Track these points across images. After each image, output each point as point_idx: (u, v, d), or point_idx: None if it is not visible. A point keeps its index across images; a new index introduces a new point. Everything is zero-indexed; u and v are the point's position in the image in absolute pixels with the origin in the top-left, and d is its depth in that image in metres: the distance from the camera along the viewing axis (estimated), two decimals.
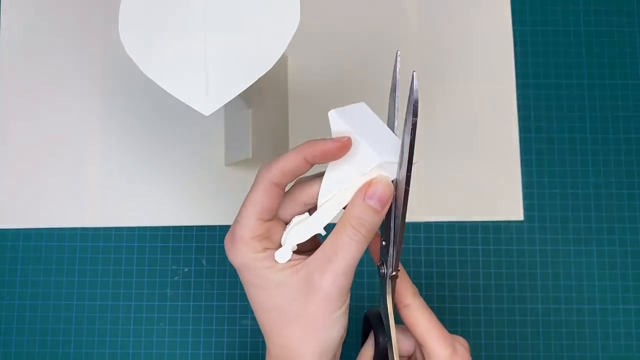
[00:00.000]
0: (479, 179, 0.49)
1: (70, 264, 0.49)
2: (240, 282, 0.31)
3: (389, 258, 0.31)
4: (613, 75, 0.51)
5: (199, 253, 0.49)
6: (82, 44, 0.52)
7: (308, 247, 0.31)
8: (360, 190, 0.29)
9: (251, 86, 0.33)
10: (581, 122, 0.50)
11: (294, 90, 0.51)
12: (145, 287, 0.48)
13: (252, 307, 0.31)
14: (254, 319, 0.48)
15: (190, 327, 0.48)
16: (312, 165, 0.30)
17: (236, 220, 0.30)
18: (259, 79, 0.33)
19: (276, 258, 0.29)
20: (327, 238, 0.29)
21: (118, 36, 0.34)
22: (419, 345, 0.33)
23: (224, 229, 0.49)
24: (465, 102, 0.50)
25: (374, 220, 0.29)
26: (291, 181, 0.31)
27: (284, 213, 0.31)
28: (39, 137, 0.50)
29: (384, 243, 0.32)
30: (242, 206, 0.30)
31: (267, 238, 0.30)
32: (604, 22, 0.52)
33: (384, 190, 0.29)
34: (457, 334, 0.47)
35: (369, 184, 0.29)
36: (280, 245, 0.31)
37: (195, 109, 0.34)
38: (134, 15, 0.34)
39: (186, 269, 0.48)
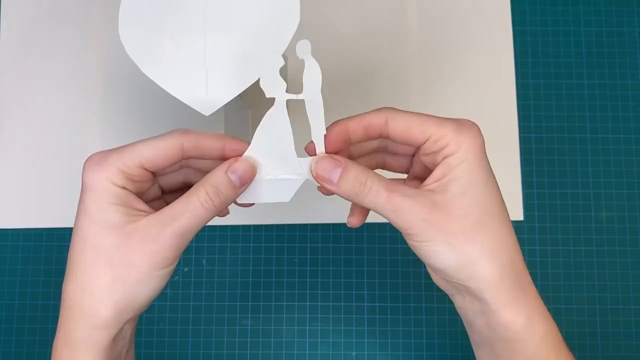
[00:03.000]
0: None
1: None
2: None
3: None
4: (613, 75, 0.51)
5: (199, 253, 0.49)
6: (82, 44, 0.52)
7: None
8: (225, 163, 0.29)
9: (251, 86, 0.33)
10: (581, 122, 0.50)
11: (293, 90, 0.51)
12: None
13: (72, 237, 0.29)
14: (254, 318, 0.48)
15: (190, 327, 0.48)
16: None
17: (121, 149, 0.29)
18: (259, 79, 0.33)
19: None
20: (180, 197, 0.29)
21: (118, 36, 0.34)
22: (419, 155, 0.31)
23: (224, 229, 0.49)
24: (465, 101, 0.51)
25: (229, 193, 0.29)
26: (191, 158, 0.31)
27: (167, 180, 0.32)
28: (39, 137, 0.50)
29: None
30: (139, 141, 0.30)
31: (134, 183, 0.29)
32: (604, 22, 0.52)
33: (247, 169, 0.29)
34: (457, 335, 0.47)
35: (235, 159, 0.30)
36: (146, 206, 0.30)
37: (195, 109, 0.34)
38: (134, 15, 0.34)
39: (186, 269, 0.49)
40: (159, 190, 0.33)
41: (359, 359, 0.47)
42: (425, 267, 0.48)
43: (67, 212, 0.50)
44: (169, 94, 0.34)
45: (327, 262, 0.48)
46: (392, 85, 0.51)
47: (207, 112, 0.34)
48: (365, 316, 0.48)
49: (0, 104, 0.51)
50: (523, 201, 0.49)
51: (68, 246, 0.49)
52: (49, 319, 0.48)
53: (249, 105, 0.43)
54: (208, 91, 0.34)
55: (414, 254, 0.48)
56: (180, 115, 0.50)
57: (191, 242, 0.49)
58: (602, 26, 0.52)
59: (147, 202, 0.30)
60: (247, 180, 0.29)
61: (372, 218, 0.49)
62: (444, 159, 0.29)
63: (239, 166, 0.29)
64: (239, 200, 0.31)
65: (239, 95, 0.34)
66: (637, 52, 0.51)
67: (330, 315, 0.48)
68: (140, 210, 0.29)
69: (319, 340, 0.48)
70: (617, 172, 0.50)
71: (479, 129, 0.30)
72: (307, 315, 0.48)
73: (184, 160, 0.31)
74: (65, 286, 0.29)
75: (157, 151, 0.29)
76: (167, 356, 0.47)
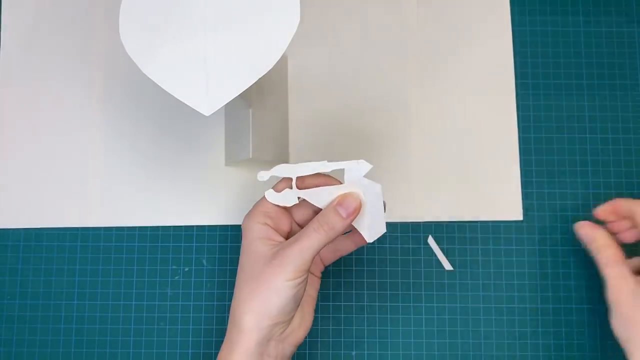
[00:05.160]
0: (479, 179, 0.49)
1: (70, 264, 0.49)
2: None
3: None
4: (613, 75, 0.51)
5: (199, 253, 0.49)
6: (83, 44, 0.52)
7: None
8: (335, 198, 0.37)
9: (251, 86, 0.33)
10: (581, 122, 0.50)
11: (294, 90, 0.51)
12: (145, 287, 0.48)
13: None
14: None
15: (191, 327, 0.48)
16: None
17: (261, 199, 0.39)
18: (259, 78, 0.33)
19: (258, 176, 0.38)
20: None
21: (118, 36, 0.34)
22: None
23: (224, 228, 0.49)
24: (465, 102, 0.51)
25: (337, 223, 0.36)
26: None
27: (298, 215, 0.40)
28: (39, 137, 0.50)
29: None
30: None
31: (272, 219, 0.38)
32: (604, 22, 0.52)
33: (350, 203, 0.36)
34: (457, 334, 0.47)
35: (343, 195, 0.37)
36: (284, 237, 0.38)
37: (196, 109, 0.34)
38: (134, 16, 0.34)
39: (186, 269, 0.49)
40: (294, 225, 0.40)
41: (359, 359, 0.47)
42: (424, 267, 0.48)
43: (67, 212, 0.50)
44: (169, 94, 0.34)
45: None
46: (391, 85, 0.51)
47: (207, 112, 0.34)
48: (365, 316, 0.48)
49: (1, 104, 0.51)
50: (523, 201, 0.49)
51: (68, 246, 0.49)
52: (49, 319, 0.48)
53: (249, 105, 0.43)
54: (208, 91, 0.34)
55: (414, 254, 0.49)
56: (180, 116, 0.50)
57: (191, 241, 0.49)
58: (602, 26, 0.52)
59: (285, 235, 0.39)
60: (352, 211, 0.36)
61: None
62: None
63: (344, 200, 0.36)
64: (368, 239, 0.38)
65: (240, 94, 0.34)
66: (637, 52, 0.51)
67: (330, 315, 0.48)
68: (278, 241, 0.37)
69: (319, 339, 0.48)
70: (616, 172, 0.50)
71: None
72: None
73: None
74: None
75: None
76: (168, 356, 0.47)
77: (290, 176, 0.37)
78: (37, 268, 0.49)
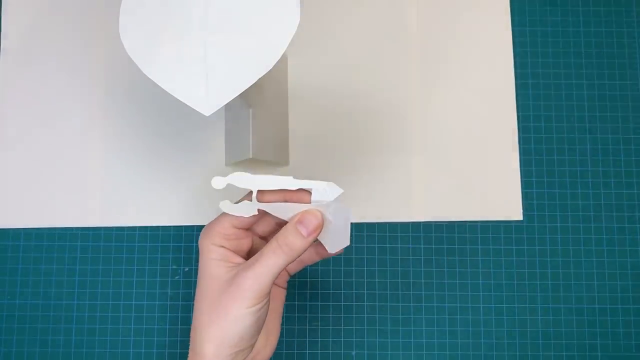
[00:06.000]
0: (479, 178, 0.49)
1: (70, 264, 0.49)
2: None
3: None
4: (613, 75, 0.51)
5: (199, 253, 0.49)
6: (83, 45, 0.52)
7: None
8: (295, 215, 0.34)
9: (251, 86, 0.33)
10: (581, 122, 0.50)
11: (294, 90, 0.51)
12: (145, 287, 0.48)
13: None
14: None
15: (191, 327, 0.48)
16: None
17: (218, 217, 0.36)
18: (259, 79, 0.33)
19: (212, 183, 0.35)
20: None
21: (118, 36, 0.34)
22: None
23: None
24: (465, 102, 0.51)
25: (297, 242, 0.33)
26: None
27: (259, 228, 0.38)
28: (39, 137, 0.50)
29: None
30: None
31: (230, 241, 0.35)
32: (604, 22, 0.52)
33: (311, 221, 0.34)
34: (457, 334, 0.47)
35: (303, 212, 0.34)
36: (244, 257, 0.36)
37: (195, 109, 0.34)
38: (134, 16, 0.34)
39: (187, 269, 0.49)
40: (256, 240, 0.38)
41: (359, 359, 0.47)
42: (424, 267, 0.48)
43: (67, 212, 0.50)
44: (169, 94, 0.34)
45: (328, 262, 0.49)
46: (391, 85, 0.51)
47: (207, 112, 0.34)
48: (365, 316, 0.48)
49: (1, 104, 0.51)
50: (523, 201, 0.49)
51: (69, 245, 0.49)
52: (49, 319, 0.48)
53: (249, 105, 0.43)
54: (208, 91, 0.34)
55: (414, 254, 0.49)
56: (180, 116, 0.50)
57: (191, 241, 0.49)
58: (602, 26, 0.52)
59: (246, 255, 0.37)
60: (312, 229, 0.34)
61: (372, 218, 0.49)
62: None
63: (304, 218, 0.34)
64: (331, 251, 0.36)
65: (240, 95, 0.34)
66: (637, 52, 0.51)
67: (330, 315, 0.48)
68: (236, 263, 0.35)
69: (319, 339, 0.48)
70: (616, 172, 0.50)
71: None
72: (307, 315, 0.48)
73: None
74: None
75: None
76: (168, 356, 0.47)
77: (250, 188, 0.35)
78: (37, 268, 0.49)
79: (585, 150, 0.50)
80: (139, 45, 0.34)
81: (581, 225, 0.49)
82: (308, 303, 0.48)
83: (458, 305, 0.48)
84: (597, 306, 0.48)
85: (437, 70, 0.51)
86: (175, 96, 0.34)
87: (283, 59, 0.51)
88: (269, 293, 0.34)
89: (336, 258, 0.49)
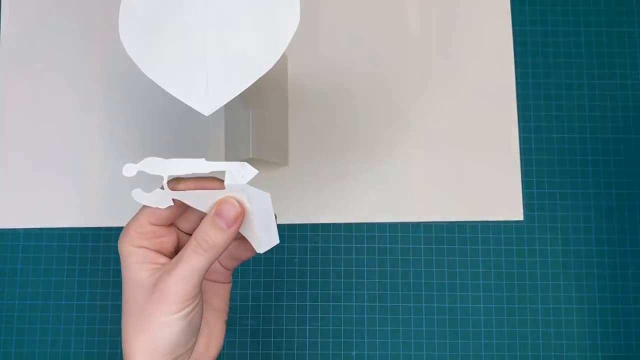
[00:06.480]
0: (479, 178, 0.49)
1: (70, 264, 0.49)
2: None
3: None
4: (613, 75, 0.51)
5: None
6: (82, 44, 0.52)
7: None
8: (211, 207, 0.31)
9: (251, 86, 0.33)
10: (581, 122, 0.50)
11: (294, 90, 0.51)
12: None
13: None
14: (254, 318, 0.48)
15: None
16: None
17: (135, 215, 0.32)
18: (259, 79, 0.33)
19: (123, 170, 0.31)
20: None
21: (118, 36, 0.34)
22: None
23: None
24: (465, 102, 0.51)
25: (217, 238, 0.30)
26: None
27: (184, 223, 0.33)
28: (39, 137, 0.50)
29: None
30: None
31: (151, 240, 0.32)
32: (604, 22, 0.52)
33: (229, 211, 0.30)
34: (457, 334, 0.47)
35: (219, 202, 0.31)
36: (170, 257, 0.32)
37: (195, 109, 0.34)
38: (133, 15, 0.34)
39: None
40: (183, 236, 0.34)
41: (359, 359, 0.47)
42: (424, 267, 0.48)
43: (67, 212, 0.50)
44: (169, 94, 0.34)
45: (327, 262, 0.48)
46: (391, 85, 0.51)
47: (207, 112, 0.34)
48: (366, 316, 0.48)
49: (1, 104, 0.51)
50: (523, 201, 0.49)
51: (68, 245, 0.49)
52: (49, 319, 0.48)
53: (249, 105, 0.43)
54: (208, 91, 0.34)
55: (414, 254, 0.49)
56: (180, 115, 0.50)
57: None
58: (602, 26, 0.52)
59: (172, 254, 0.33)
60: (231, 220, 0.30)
61: (373, 218, 0.49)
62: None
63: (221, 208, 0.30)
64: (259, 250, 0.32)
65: (239, 95, 0.34)
66: (637, 52, 0.51)
67: (331, 315, 0.48)
68: (161, 263, 0.31)
69: (319, 340, 0.48)
70: (617, 172, 0.50)
71: None
72: (307, 315, 0.48)
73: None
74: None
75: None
76: None
77: (161, 174, 0.32)
78: (37, 268, 0.49)
79: (586, 150, 0.50)
80: (138, 45, 0.34)
81: (581, 225, 0.49)
82: (308, 303, 0.48)
83: (458, 305, 0.48)
84: (597, 306, 0.48)
85: (437, 70, 0.51)
86: (175, 96, 0.34)
87: (283, 59, 0.51)
88: (197, 294, 0.31)
89: (336, 258, 0.48)
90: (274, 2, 0.34)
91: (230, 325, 0.48)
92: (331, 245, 0.49)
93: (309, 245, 0.49)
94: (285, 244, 0.49)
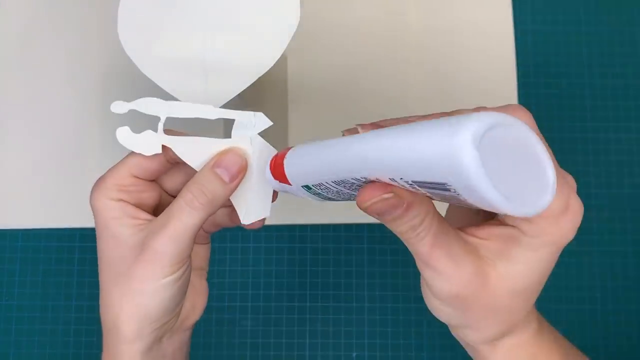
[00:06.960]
0: None
1: (69, 264, 0.48)
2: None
3: None
4: (613, 75, 0.51)
5: None
6: (82, 44, 0.51)
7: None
8: (212, 157, 0.28)
9: (250, 86, 0.33)
10: (581, 122, 0.50)
11: (293, 90, 0.51)
12: None
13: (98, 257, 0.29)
14: (253, 319, 0.48)
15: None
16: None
17: (114, 166, 0.29)
18: (259, 79, 0.33)
19: (112, 107, 0.28)
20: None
21: (117, 36, 0.34)
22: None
23: (224, 229, 0.49)
24: (465, 102, 0.50)
25: (218, 189, 0.27)
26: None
27: (168, 182, 0.31)
28: (39, 137, 0.50)
29: None
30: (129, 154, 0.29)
31: (130, 192, 0.28)
32: (604, 22, 0.52)
33: (233, 162, 0.27)
34: None
35: (223, 152, 0.28)
36: (151, 212, 0.29)
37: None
38: (133, 15, 0.34)
39: None
40: (165, 196, 0.31)
41: None
42: None
43: (67, 212, 0.49)
44: (168, 94, 0.34)
45: (327, 262, 0.48)
46: (391, 85, 0.51)
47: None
48: (366, 317, 0.48)
49: (1, 104, 0.51)
50: None
51: (67, 246, 0.49)
52: (47, 320, 0.48)
53: (249, 105, 0.43)
54: (208, 91, 0.34)
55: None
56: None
57: None
58: (602, 26, 0.52)
59: (152, 210, 0.30)
60: (235, 171, 0.27)
61: (373, 218, 0.49)
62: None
63: (224, 158, 0.27)
64: (245, 221, 0.29)
65: (239, 95, 0.34)
66: (637, 52, 0.51)
67: (331, 316, 0.48)
68: (143, 220, 0.28)
69: (319, 340, 0.47)
70: (617, 173, 0.50)
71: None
72: (308, 316, 0.48)
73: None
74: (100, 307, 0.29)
75: (142, 156, 0.28)
76: None
77: (159, 115, 0.28)
78: (36, 268, 0.48)
79: (586, 150, 0.50)
80: (137, 45, 0.34)
81: (582, 225, 0.49)
82: (308, 304, 0.48)
83: None
84: (598, 306, 0.48)
85: (437, 69, 0.51)
86: (175, 96, 0.34)
87: (283, 59, 0.51)
88: (189, 255, 0.28)
89: (337, 258, 0.48)
90: (274, 2, 0.34)
91: (230, 325, 0.48)
92: (331, 245, 0.49)
93: (309, 245, 0.49)
94: (285, 244, 0.49)
